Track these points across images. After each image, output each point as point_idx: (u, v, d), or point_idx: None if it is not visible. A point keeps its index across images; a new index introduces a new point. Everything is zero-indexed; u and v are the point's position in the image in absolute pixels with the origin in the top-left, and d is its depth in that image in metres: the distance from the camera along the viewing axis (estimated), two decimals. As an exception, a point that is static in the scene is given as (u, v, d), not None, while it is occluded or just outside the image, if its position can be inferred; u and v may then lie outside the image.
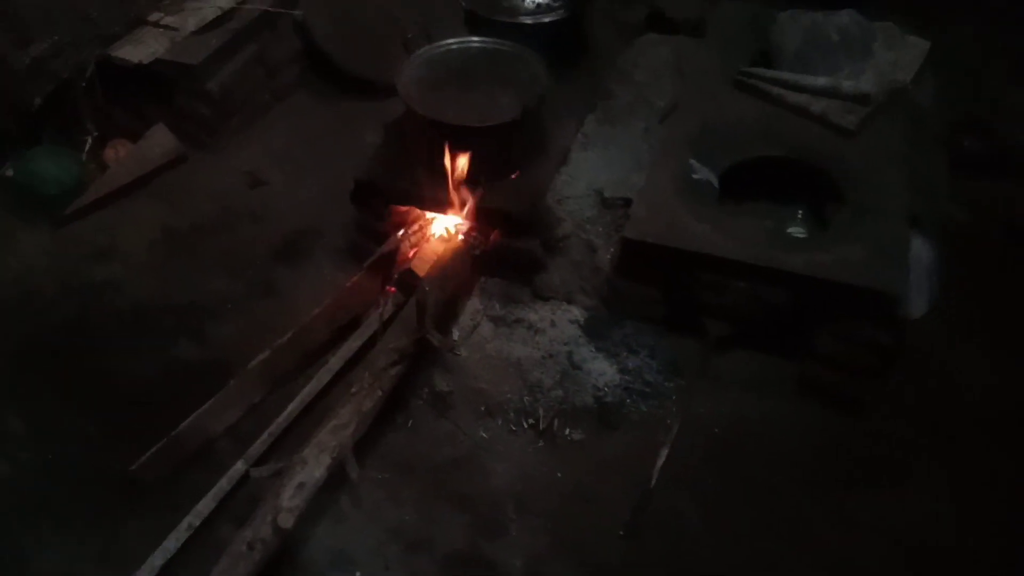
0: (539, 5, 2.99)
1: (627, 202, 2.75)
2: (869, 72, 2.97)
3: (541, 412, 2.54)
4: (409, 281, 2.70)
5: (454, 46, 2.92)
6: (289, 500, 2.06)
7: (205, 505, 2.26)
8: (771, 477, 2.36)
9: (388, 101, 3.63)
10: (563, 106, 3.01)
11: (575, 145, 2.97)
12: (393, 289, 2.80)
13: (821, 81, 2.88)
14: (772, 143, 2.81)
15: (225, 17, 3.53)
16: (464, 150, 2.66)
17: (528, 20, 2.99)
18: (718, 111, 2.91)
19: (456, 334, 2.80)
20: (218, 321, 2.90)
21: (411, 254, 2.81)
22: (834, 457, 2.41)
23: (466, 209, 2.73)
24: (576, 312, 2.76)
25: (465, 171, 2.69)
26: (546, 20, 3.00)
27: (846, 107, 2.83)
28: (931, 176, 2.94)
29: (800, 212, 2.85)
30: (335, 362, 2.63)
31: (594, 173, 2.88)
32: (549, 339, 2.71)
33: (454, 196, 2.73)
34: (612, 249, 2.72)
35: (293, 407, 2.51)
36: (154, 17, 3.46)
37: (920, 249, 2.68)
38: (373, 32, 3.85)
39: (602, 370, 2.62)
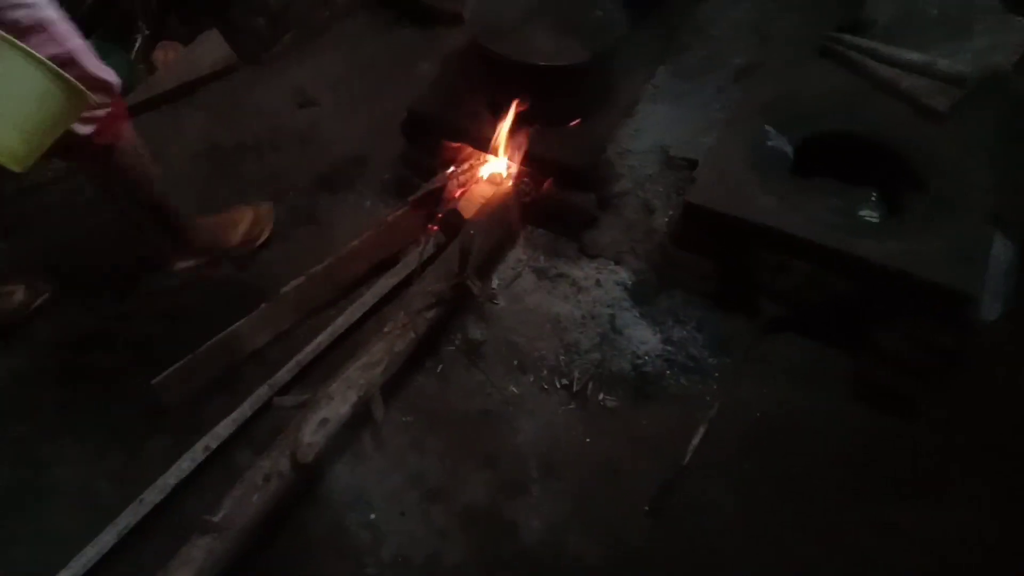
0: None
1: (692, 163, 2.60)
2: (967, 52, 2.75)
3: (576, 374, 2.44)
4: (454, 222, 2.59)
5: (524, -20, 2.74)
6: (311, 435, 2.00)
7: (224, 428, 2.22)
8: (810, 473, 2.24)
9: (448, 31, 3.54)
10: (635, 55, 2.83)
11: (644, 96, 2.80)
12: (436, 228, 2.69)
13: (915, 56, 2.67)
14: (854, 118, 2.62)
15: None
16: (526, 91, 2.51)
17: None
18: (800, 77, 2.71)
19: (496, 282, 2.69)
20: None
21: (458, 194, 2.69)
22: (879, 459, 2.28)
23: (520, 154, 2.60)
24: (623, 274, 2.63)
25: (524, 113, 2.55)
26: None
27: (938, 87, 2.62)
28: (1020, 173, 2.74)
29: (873, 195, 2.67)
30: (369, 297, 2.55)
31: (661, 129, 2.72)
32: (592, 299, 2.59)
33: (509, 139, 2.59)
34: (671, 212, 2.58)
35: (323, 338, 2.44)
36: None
37: (1000, 249, 2.51)
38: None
39: (644, 338, 2.51)
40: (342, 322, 2.47)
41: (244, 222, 2.70)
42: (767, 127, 2.57)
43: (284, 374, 2.35)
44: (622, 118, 2.72)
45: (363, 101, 3.33)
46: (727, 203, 2.32)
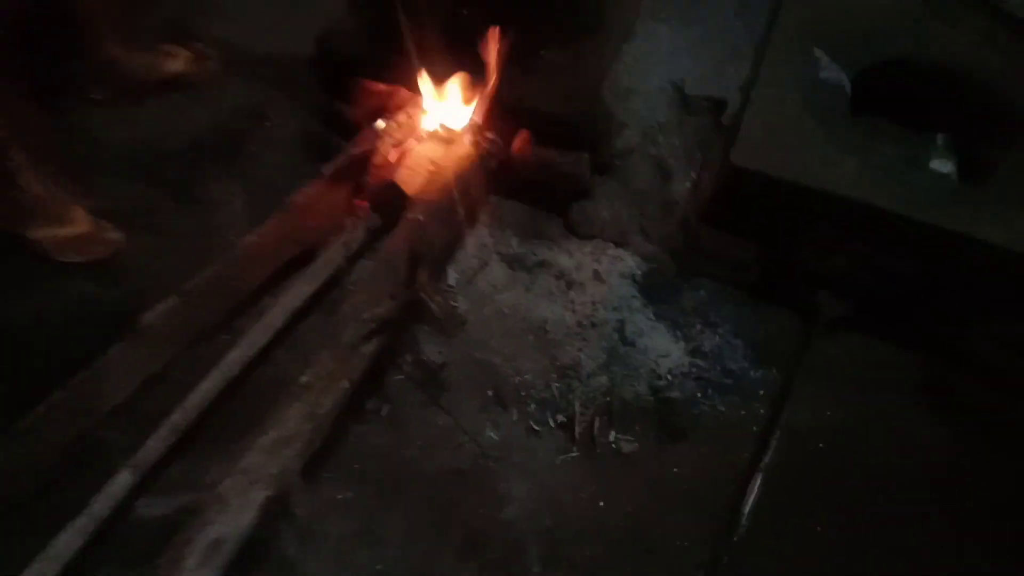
0: None
1: (718, 104, 1.90)
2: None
3: (577, 407, 1.77)
4: (391, 199, 1.84)
5: None
6: (198, 567, 1.27)
7: (66, 545, 1.46)
8: (900, 517, 1.66)
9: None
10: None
11: (642, 15, 2.05)
12: (366, 206, 1.93)
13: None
14: (925, 41, 1.95)
15: None
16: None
17: None
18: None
19: (453, 277, 1.97)
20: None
21: (394, 158, 1.92)
22: (980, 492, 1.71)
23: (482, 97, 1.84)
24: (630, 261, 1.94)
25: (483, 37, 1.78)
26: None
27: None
28: None
29: (939, 140, 2.04)
30: (276, 315, 1.78)
31: (671, 58, 2.00)
32: (590, 297, 1.90)
33: (464, 75, 1.82)
34: (696, 176, 1.88)
35: (212, 384, 1.68)
36: None
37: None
38: None
39: (665, 349, 1.84)
40: (238, 357, 1.71)
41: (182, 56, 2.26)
42: (818, 52, 1.87)
43: (153, 447, 1.58)
44: (619, 44, 1.97)
45: (259, 39, 2.46)
46: (789, 167, 1.63)
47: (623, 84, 1.94)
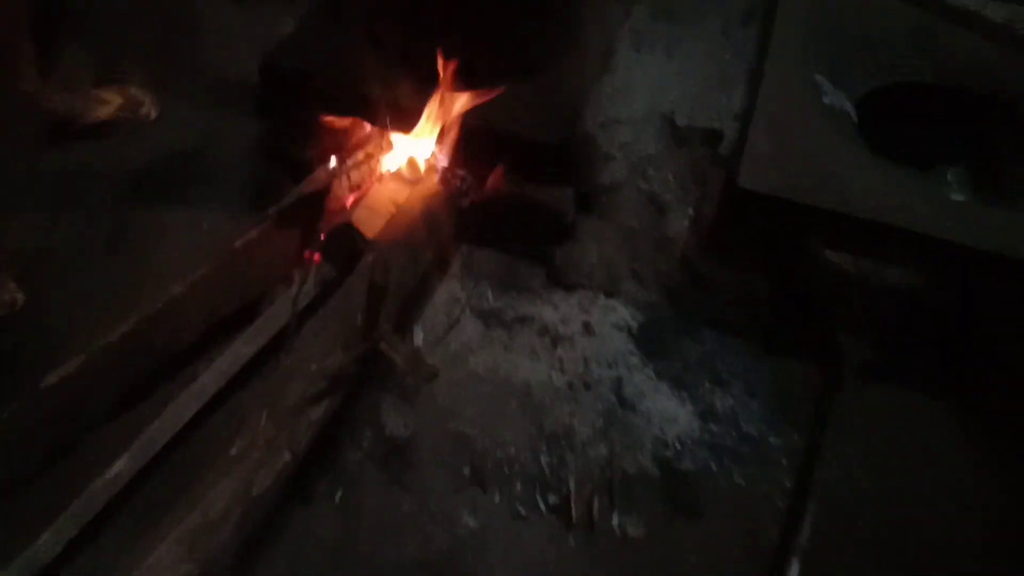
0: None
1: (712, 135, 1.71)
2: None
3: (571, 483, 1.48)
4: (347, 244, 1.58)
5: None
6: None
7: None
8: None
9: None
10: (600, -11, 1.92)
11: (623, 43, 1.88)
12: (317, 257, 1.66)
13: (1001, -24, 1.89)
14: (929, 62, 1.81)
15: None
16: (452, 22, 1.54)
17: None
18: (841, 11, 1.88)
19: (420, 336, 1.69)
20: (30, 287, 1.69)
21: (351, 200, 1.68)
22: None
23: (451, 129, 1.62)
24: (624, 312, 1.69)
25: (451, 62, 1.58)
26: None
27: (1040, 17, 1.86)
28: None
29: (951, 176, 1.88)
30: (208, 381, 1.48)
31: (656, 87, 1.82)
32: (580, 354, 1.63)
33: (430, 105, 1.61)
34: (694, 210, 1.67)
35: (124, 466, 1.36)
36: None
37: None
38: None
39: (670, 412, 1.57)
40: (159, 431, 1.40)
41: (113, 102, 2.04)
42: (818, 77, 1.71)
43: (49, 543, 1.24)
44: (599, 71, 1.78)
45: (196, 74, 2.24)
46: (802, 189, 1.42)
47: (607, 114, 1.74)
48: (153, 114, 2.09)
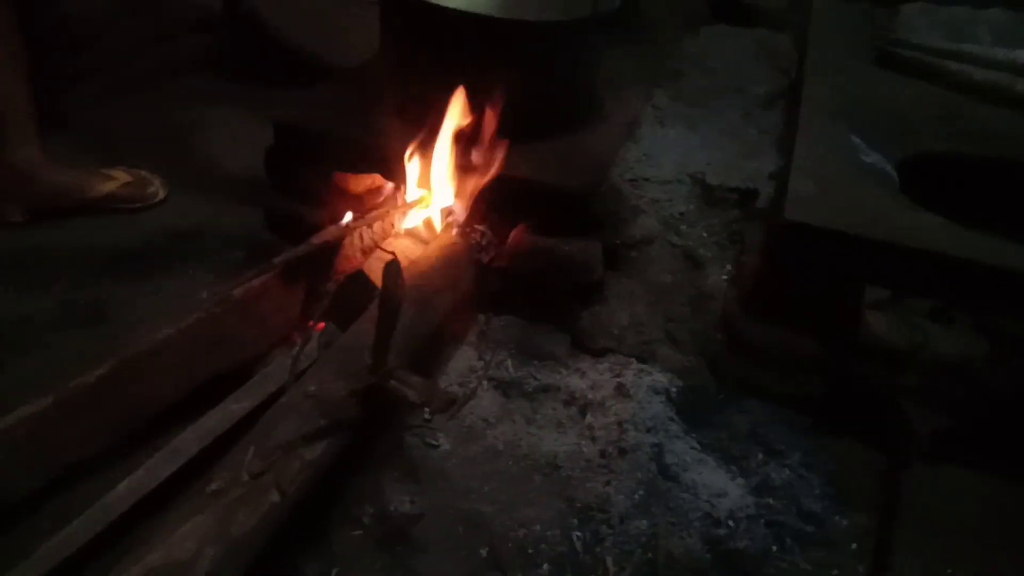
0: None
1: (747, 194, 1.62)
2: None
3: (609, 563, 1.24)
4: (356, 298, 1.44)
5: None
6: None
7: None
8: None
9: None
10: (619, 71, 1.91)
11: (645, 119, 1.84)
12: (321, 325, 1.52)
13: (1022, 52, 1.89)
14: (962, 134, 1.76)
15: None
16: (479, 79, 1.49)
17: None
18: (869, 89, 1.86)
19: (426, 413, 1.51)
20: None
21: (360, 259, 1.56)
22: None
23: (472, 184, 1.53)
24: (660, 377, 1.51)
25: (477, 119, 1.52)
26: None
27: (1068, 92, 1.83)
28: None
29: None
30: (190, 438, 1.29)
31: (682, 154, 1.76)
32: (614, 417, 1.44)
33: (452, 159, 1.53)
34: (734, 266, 1.54)
35: (77, 529, 1.14)
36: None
37: None
38: (326, 9, 2.76)
39: (719, 486, 1.36)
40: (125, 493, 1.19)
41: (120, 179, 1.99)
42: (854, 138, 1.65)
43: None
44: (624, 136, 1.72)
45: (203, 162, 2.21)
46: (859, 221, 1.30)
47: (635, 173, 1.66)
48: (162, 194, 2.03)
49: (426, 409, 1.48)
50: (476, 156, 1.52)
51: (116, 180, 1.97)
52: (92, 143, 2.21)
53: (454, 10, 1.45)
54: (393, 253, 1.23)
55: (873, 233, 1.27)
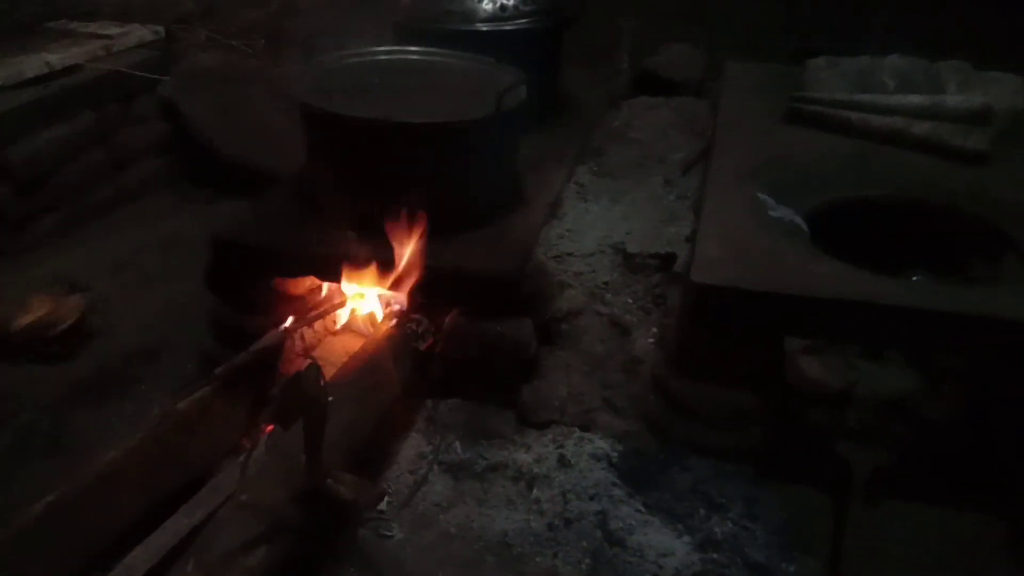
0: (503, 8, 2.06)
1: (666, 259, 1.70)
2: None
3: (562, 638, 1.26)
4: (299, 396, 1.48)
5: (382, 56, 1.94)
6: None
7: None
8: None
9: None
10: (541, 154, 2.02)
11: (568, 196, 1.94)
12: (270, 427, 1.55)
13: (915, 99, 2.02)
14: (870, 179, 1.86)
15: (53, 76, 2.50)
16: (401, 176, 1.59)
17: (484, 27, 2.05)
18: (778, 144, 1.97)
19: (383, 501, 1.54)
20: None
21: (302, 360, 1.61)
22: None
23: (407, 275, 1.60)
24: (601, 443, 1.56)
25: (400, 215, 1.60)
26: (508, 28, 2.06)
27: (959, 128, 1.94)
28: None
29: (916, 275, 1.85)
30: (141, 557, 1.31)
31: (605, 227, 1.85)
32: (559, 490, 1.48)
33: (381, 252, 1.61)
34: (658, 329, 1.61)
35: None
36: (-61, 67, 2.40)
37: None
38: (264, 118, 2.88)
39: (665, 545, 1.39)
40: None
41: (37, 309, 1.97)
42: (761, 195, 1.74)
43: None
44: (546, 217, 1.81)
45: (158, 282, 2.28)
46: (766, 278, 1.38)
47: (559, 249, 1.74)
48: (88, 324, 2.04)
49: (385, 500, 1.53)
50: (404, 250, 1.60)
51: (33, 312, 1.96)
52: (46, 276, 2.28)
53: (362, 118, 1.54)
54: (313, 358, 1.28)
55: (776, 287, 1.34)
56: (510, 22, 2.05)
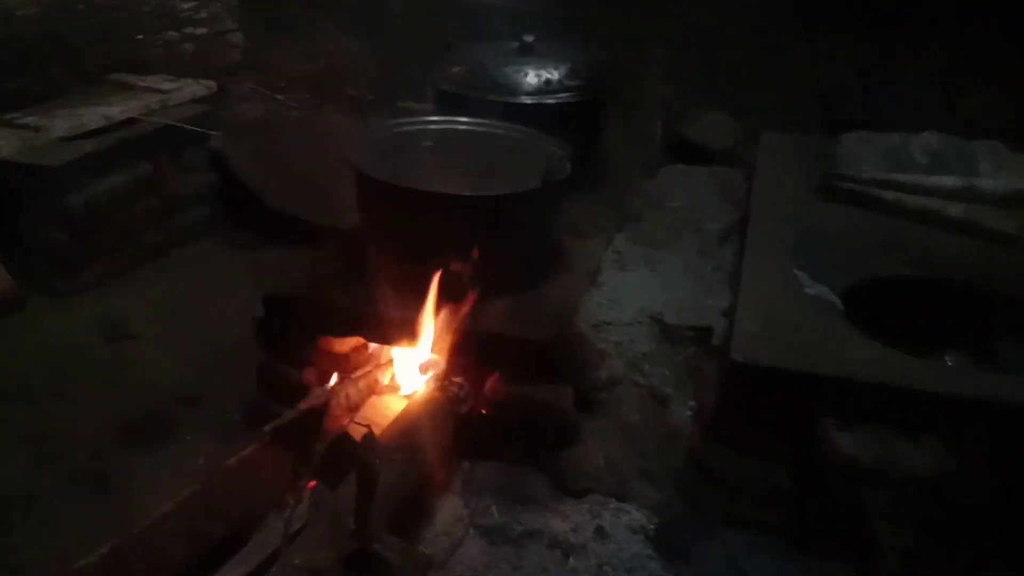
0: (548, 82, 2.15)
1: (704, 331, 1.74)
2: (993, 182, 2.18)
3: None
4: (342, 456, 1.53)
5: (433, 125, 2.02)
6: None
7: None
8: None
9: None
10: (582, 221, 2.08)
11: (606, 264, 1.99)
12: (313, 485, 1.60)
13: (948, 180, 2.06)
14: (903, 258, 1.90)
15: (112, 128, 2.62)
16: (447, 243, 1.65)
17: (528, 100, 2.13)
18: (811, 221, 2.02)
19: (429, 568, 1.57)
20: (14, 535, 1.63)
21: (346, 419, 1.66)
22: None
23: (448, 338, 1.65)
24: (637, 515, 1.58)
25: (447, 281, 1.66)
26: (550, 101, 2.14)
27: (995, 211, 1.98)
28: None
29: (950, 354, 1.87)
30: (189, 611, 1.35)
31: (643, 297, 1.89)
32: (596, 561, 1.50)
33: (426, 318, 1.66)
34: (695, 402, 1.64)
35: None
36: (8, 116, 2.52)
37: None
38: (306, 169, 2.98)
39: (699, 620, 1.41)
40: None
41: None
42: (797, 272, 1.78)
43: None
44: (585, 285, 1.86)
45: (202, 329, 2.35)
46: (802, 357, 1.41)
47: (597, 318, 1.78)
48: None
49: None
50: (448, 313, 1.65)
51: None
52: (93, 318, 2.36)
53: (418, 190, 1.62)
54: (368, 426, 1.32)
55: (813, 368, 1.37)
56: (553, 96, 2.14)
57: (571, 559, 1.52)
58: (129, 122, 2.68)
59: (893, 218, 2.02)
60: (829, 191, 2.14)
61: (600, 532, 1.53)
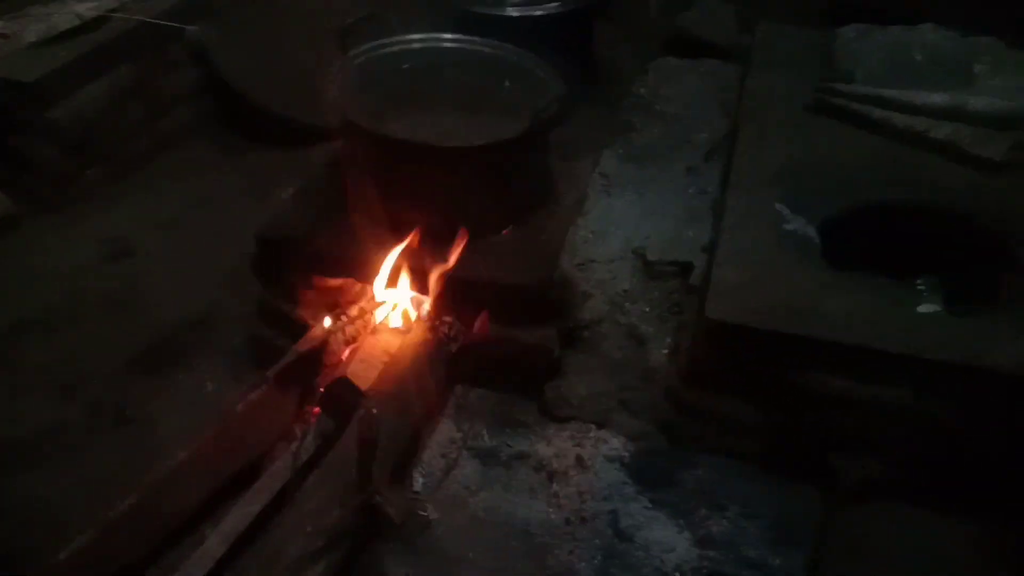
0: (535, -8, 2.08)
1: (684, 267, 1.80)
2: (985, 93, 2.15)
3: (575, 625, 1.47)
4: (344, 397, 1.65)
5: (416, 44, 1.97)
6: None
7: None
8: None
9: (315, 150, 2.69)
10: (573, 140, 2.07)
11: (593, 188, 2.01)
12: (317, 411, 1.73)
13: (937, 98, 2.04)
14: (886, 183, 1.92)
15: (85, 29, 2.53)
16: (434, 188, 1.68)
17: (515, 12, 2.06)
18: (798, 142, 2.02)
19: (419, 481, 1.73)
20: (31, 470, 1.77)
21: (346, 355, 1.76)
22: None
23: (436, 281, 1.72)
24: (616, 443, 1.72)
25: (435, 222, 1.71)
26: (538, 13, 2.07)
27: (982, 133, 1.98)
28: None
29: (922, 284, 1.94)
30: (214, 545, 1.51)
31: (627, 227, 1.93)
32: (575, 488, 1.66)
33: (417, 261, 1.72)
34: (672, 340, 1.74)
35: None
36: (-27, 24, 2.44)
37: None
38: (296, 61, 2.88)
39: (668, 541, 1.58)
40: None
41: None
42: (778, 206, 1.81)
43: None
44: (573, 217, 1.90)
45: (203, 245, 2.40)
46: (774, 316, 1.49)
47: (582, 254, 1.84)
48: None
49: (420, 481, 1.72)
50: (436, 256, 1.72)
51: None
52: (95, 236, 2.41)
53: (406, 140, 1.62)
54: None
55: (783, 327, 1.46)
56: (541, 6, 2.06)
57: (554, 484, 1.68)
58: (104, 21, 2.58)
59: (882, 139, 2.01)
60: (820, 105, 2.11)
61: (580, 462, 1.68)
